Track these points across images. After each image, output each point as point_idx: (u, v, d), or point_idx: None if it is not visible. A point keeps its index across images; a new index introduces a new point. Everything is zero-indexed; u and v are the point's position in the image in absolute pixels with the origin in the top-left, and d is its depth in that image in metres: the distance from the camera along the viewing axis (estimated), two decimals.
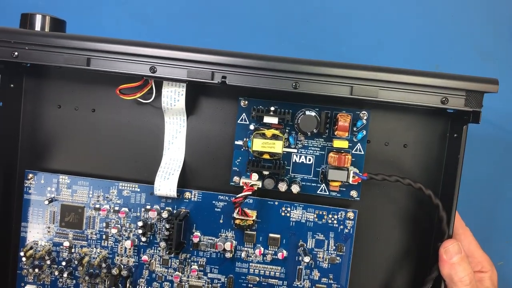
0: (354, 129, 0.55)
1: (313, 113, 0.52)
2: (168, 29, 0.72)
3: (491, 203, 0.71)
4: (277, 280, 0.58)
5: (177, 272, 0.58)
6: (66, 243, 0.58)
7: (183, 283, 0.58)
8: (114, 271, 0.57)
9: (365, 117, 0.55)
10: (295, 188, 0.54)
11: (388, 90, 0.48)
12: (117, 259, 0.58)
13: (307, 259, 0.56)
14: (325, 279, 0.57)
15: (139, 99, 0.55)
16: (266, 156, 0.54)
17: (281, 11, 0.71)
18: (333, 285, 0.57)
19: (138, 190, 0.58)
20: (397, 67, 0.48)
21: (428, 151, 0.56)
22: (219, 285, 0.58)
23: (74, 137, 0.59)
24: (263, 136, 0.53)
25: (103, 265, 0.58)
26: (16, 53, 0.50)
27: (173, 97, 0.54)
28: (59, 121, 0.59)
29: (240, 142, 0.56)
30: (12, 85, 0.56)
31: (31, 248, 0.58)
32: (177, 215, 0.55)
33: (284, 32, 0.70)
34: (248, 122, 0.56)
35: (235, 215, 0.55)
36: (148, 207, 0.57)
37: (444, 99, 0.48)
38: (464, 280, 0.50)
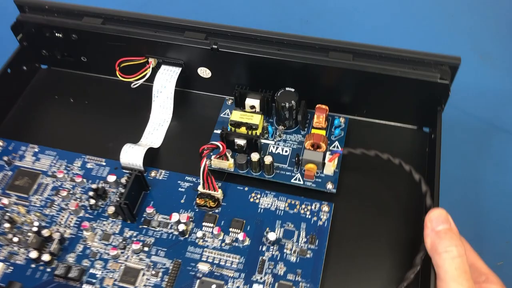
0: (332, 129, 0.56)
1: (293, 89, 0.54)
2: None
3: (491, 203, 0.65)
4: (233, 272, 0.47)
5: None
6: (5, 201, 0.51)
7: (120, 264, 0.48)
8: (45, 232, 0.48)
9: (343, 119, 0.56)
10: (268, 159, 0.51)
11: (362, 59, 0.52)
12: (53, 229, 0.50)
13: (272, 236, 0.47)
14: (292, 275, 0.46)
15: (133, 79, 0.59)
16: (243, 130, 0.53)
17: (281, 11, 0.71)
18: (301, 283, 0.46)
19: (104, 164, 0.55)
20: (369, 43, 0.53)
21: (410, 161, 0.54)
22: (161, 270, 0.47)
23: (61, 120, 0.60)
24: (243, 111, 0.54)
25: (35, 225, 0.49)
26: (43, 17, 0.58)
27: (166, 79, 0.58)
28: (51, 106, 0.61)
29: (218, 131, 0.56)
30: (24, 68, 0.62)
31: None
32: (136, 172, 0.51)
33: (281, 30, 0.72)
34: (229, 116, 0.58)
35: (199, 187, 0.50)
36: (108, 177, 0.53)
37: (413, 69, 0.51)
38: (450, 251, 0.41)
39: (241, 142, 0.53)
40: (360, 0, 0.81)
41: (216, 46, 0.55)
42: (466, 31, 0.75)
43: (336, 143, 0.55)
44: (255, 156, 0.52)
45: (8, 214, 0.51)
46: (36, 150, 0.56)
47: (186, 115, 0.60)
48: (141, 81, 0.59)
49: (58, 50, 0.62)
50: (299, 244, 0.48)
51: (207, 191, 0.50)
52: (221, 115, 0.58)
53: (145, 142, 0.57)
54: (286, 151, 0.55)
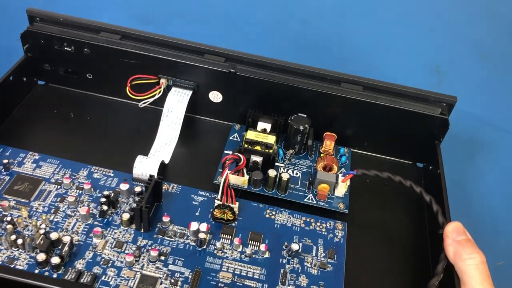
0: (338, 157, 0.58)
1: (305, 115, 0.57)
2: (168, 29, 0.71)
3: (491, 203, 0.67)
4: (255, 282, 0.45)
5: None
6: (5, 203, 0.47)
7: (135, 272, 0.44)
8: (53, 235, 0.44)
9: (346, 149, 0.59)
10: (285, 176, 0.52)
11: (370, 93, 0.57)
12: (60, 235, 0.46)
13: (295, 246, 0.47)
14: (315, 287, 0.46)
15: (143, 98, 0.59)
16: (258, 148, 0.54)
17: (281, 11, 0.72)
18: None
19: (112, 175, 0.53)
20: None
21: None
22: (180, 279, 0.44)
23: (60, 134, 0.58)
24: (257, 131, 0.56)
25: (42, 227, 0.45)
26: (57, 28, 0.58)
27: (178, 99, 0.59)
28: (52, 121, 0.59)
29: (229, 152, 0.57)
30: (24, 79, 0.60)
31: None
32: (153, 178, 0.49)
33: (284, 32, 0.71)
34: (239, 139, 0.59)
35: (218, 196, 0.50)
36: (121, 186, 0.51)
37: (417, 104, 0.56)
38: (474, 257, 0.43)
39: (257, 159, 0.54)
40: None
41: (234, 70, 0.57)
42: (466, 31, 0.77)
43: (343, 169, 0.58)
44: (272, 172, 0.52)
45: (8, 217, 0.46)
46: (37, 157, 0.53)
47: (194, 140, 0.60)
48: (150, 100, 0.59)
49: (62, 65, 0.61)
50: (319, 258, 0.48)
51: (226, 203, 0.50)
52: (230, 138, 0.59)
53: (153, 155, 0.56)
54: (296, 174, 0.56)
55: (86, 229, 0.47)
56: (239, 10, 0.82)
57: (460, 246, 0.45)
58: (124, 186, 0.50)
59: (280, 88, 0.57)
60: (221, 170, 0.55)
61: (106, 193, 0.49)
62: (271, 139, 0.55)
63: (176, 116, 0.58)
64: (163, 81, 0.59)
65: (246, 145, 0.54)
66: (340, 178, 0.54)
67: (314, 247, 0.49)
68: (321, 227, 0.51)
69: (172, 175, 0.55)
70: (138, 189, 0.50)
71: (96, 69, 0.61)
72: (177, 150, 0.57)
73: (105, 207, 0.48)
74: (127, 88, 0.58)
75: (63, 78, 0.62)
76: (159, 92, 0.59)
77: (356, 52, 0.78)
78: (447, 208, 0.50)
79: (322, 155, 0.57)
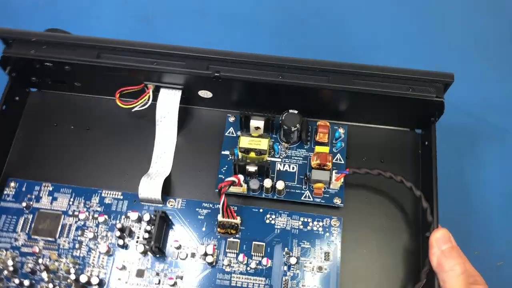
0: (333, 141, 0.59)
1: (296, 111, 0.57)
2: (168, 29, 0.72)
3: (491, 203, 0.69)
4: None
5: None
6: (36, 249, 0.54)
7: None
8: (82, 278, 0.52)
9: (342, 130, 0.60)
10: (280, 185, 0.55)
11: (361, 80, 0.55)
12: (88, 271, 0.53)
13: (293, 260, 0.53)
14: None
15: (134, 105, 0.59)
16: (252, 155, 0.56)
17: (281, 11, 0.72)
18: None
19: (121, 197, 0.57)
20: (368, 64, 0.55)
21: (405, 166, 0.59)
22: None
23: (65, 152, 0.60)
24: (250, 135, 0.57)
25: (72, 272, 0.53)
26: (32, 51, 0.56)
27: (168, 103, 0.59)
28: (53, 136, 0.61)
29: (226, 152, 0.59)
30: (17, 98, 0.61)
31: None
32: (159, 213, 0.54)
33: (284, 32, 0.72)
34: (235, 135, 0.60)
35: (219, 217, 0.54)
36: (130, 214, 0.56)
37: (410, 88, 0.54)
38: (455, 269, 0.48)
39: (252, 168, 0.56)
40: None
41: (218, 74, 0.55)
42: (466, 30, 0.75)
43: (338, 155, 0.59)
44: (268, 183, 0.55)
45: (41, 261, 0.54)
46: (50, 189, 0.57)
47: (191, 133, 0.61)
48: (141, 108, 0.59)
49: (49, 77, 0.60)
50: (316, 260, 0.54)
51: (227, 220, 0.54)
52: (226, 134, 0.60)
53: (156, 169, 0.58)
54: (293, 168, 0.58)
55: (109, 261, 0.54)
56: (239, 10, 0.78)
57: (443, 257, 0.49)
58: (133, 215, 0.55)
59: (267, 86, 0.55)
60: (221, 176, 0.58)
61: (119, 226, 0.54)
62: (264, 143, 0.56)
63: (170, 120, 0.59)
64: (150, 86, 0.59)
65: (240, 156, 0.56)
66: (334, 176, 0.56)
67: (312, 249, 0.55)
68: (318, 226, 0.56)
69: (175, 185, 0.58)
70: (147, 217, 0.55)
71: (83, 79, 0.60)
72: (176, 149, 0.60)
73: (121, 241, 0.54)
74: (117, 100, 0.58)
75: (53, 85, 0.62)
76: (149, 97, 0.59)
77: (356, 52, 0.75)
78: (436, 206, 0.53)
79: (315, 148, 0.58)
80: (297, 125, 0.56)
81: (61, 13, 0.70)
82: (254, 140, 0.56)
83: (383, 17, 0.78)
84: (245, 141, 0.56)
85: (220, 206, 0.53)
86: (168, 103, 0.59)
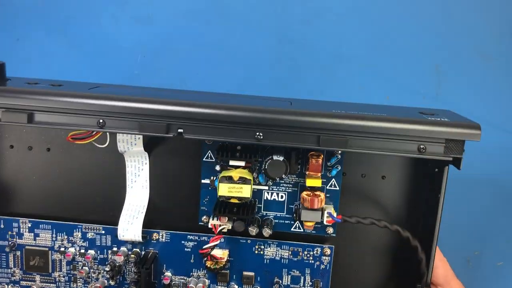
0: (328, 163, 0.51)
1: (281, 158, 0.48)
2: (168, 29, 0.68)
3: (491, 202, 0.69)
4: None
5: None
6: (34, 287, 0.56)
7: None
8: None
9: (339, 152, 0.51)
10: (266, 232, 0.51)
11: (358, 139, 0.44)
12: None
13: None
14: None
15: (94, 143, 0.51)
16: (234, 200, 0.50)
17: (281, 11, 0.68)
18: None
19: (103, 232, 0.55)
20: (368, 114, 0.43)
21: (407, 184, 0.52)
22: None
23: (30, 178, 0.55)
24: (230, 179, 0.49)
25: None
26: None
27: (130, 141, 0.50)
28: (13, 162, 0.55)
29: (207, 181, 0.53)
30: None
31: None
32: (144, 262, 0.53)
33: (284, 32, 0.67)
34: (213, 160, 0.52)
35: (205, 262, 0.53)
36: (115, 249, 0.55)
37: (421, 147, 0.43)
38: None
39: (235, 216, 0.51)
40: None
41: (181, 134, 0.44)
42: (466, 30, 0.69)
43: (333, 181, 0.52)
44: (252, 231, 0.51)
45: None
46: (29, 225, 0.55)
47: (165, 161, 0.54)
48: (102, 146, 0.50)
49: None
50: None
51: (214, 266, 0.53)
52: (204, 159, 0.52)
53: (131, 204, 0.53)
54: (281, 197, 0.53)
55: None
56: (241, 10, 0.70)
57: None
58: (119, 258, 0.54)
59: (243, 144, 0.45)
60: (203, 208, 0.53)
61: (107, 268, 0.54)
62: (246, 191, 0.49)
63: (136, 155, 0.51)
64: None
65: (221, 199, 0.50)
66: (326, 216, 0.50)
67: (302, 278, 0.54)
68: (308, 255, 0.54)
69: (155, 217, 0.54)
70: (132, 259, 0.53)
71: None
72: (153, 182, 0.54)
73: (113, 282, 0.54)
74: (71, 141, 0.49)
75: None
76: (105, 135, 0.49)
77: (355, 52, 0.68)
78: (433, 257, 0.49)
79: (307, 184, 0.50)
80: (283, 175, 0.48)
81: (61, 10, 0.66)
82: (234, 188, 0.49)
83: (383, 17, 0.69)
84: (224, 189, 0.49)
85: (206, 265, 0.52)
86: (129, 141, 0.50)
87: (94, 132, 0.49)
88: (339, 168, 0.51)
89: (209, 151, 0.52)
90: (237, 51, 0.68)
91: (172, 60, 0.68)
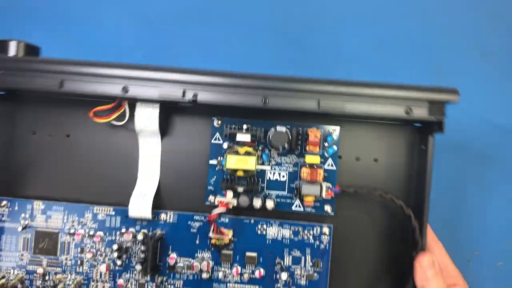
0: (325, 144, 0.57)
1: (284, 129, 0.53)
2: (168, 29, 0.70)
3: (490, 203, 0.69)
4: None
5: None
6: (40, 270, 0.57)
7: None
8: None
9: (335, 133, 0.56)
10: (269, 204, 0.55)
11: (353, 103, 0.49)
12: (93, 285, 0.57)
13: (284, 276, 0.56)
14: None
15: (113, 122, 0.56)
16: (240, 173, 0.54)
17: (281, 12, 0.70)
18: None
19: (113, 213, 0.58)
20: (362, 81, 0.50)
21: (398, 165, 0.57)
22: None
23: (48, 163, 0.59)
24: (237, 153, 0.54)
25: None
26: None
27: (147, 119, 0.55)
28: (33, 147, 0.59)
29: (214, 162, 0.57)
30: None
31: (3, 277, 0.57)
32: (153, 236, 0.55)
33: (284, 32, 0.69)
34: (221, 141, 0.57)
35: (210, 234, 0.55)
36: (124, 230, 0.57)
37: (408, 109, 0.49)
38: None
39: (241, 188, 0.54)
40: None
41: (195, 99, 0.50)
42: (466, 30, 0.71)
43: (330, 160, 0.56)
44: (257, 202, 0.54)
45: (47, 283, 0.57)
46: (42, 207, 0.58)
47: (176, 143, 0.58)
48: (120, 123, 0.55)
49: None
50: (306, 268, 0.57)
51: (219, 241, 0.55)
52: (212, 141, 0.57)
53: (143, 183, 0.57)
54: (283, 176, 0.57)
55: (111, 276, 0.57)
56: (241, 10, 0.72)
57: (426, 282, 0.51)
58: (127, 237, 0.56)
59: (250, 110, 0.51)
60: (210, 188, 0.57)
61: (115, 247, 0.56)
62: (251, 162, 0.54)
63: (151, 132, 0.56)
64: (124, 102, 0.54)
65: (229, 172, 0.54)
66: (325, 189, 0.54)
67: (302, 258, 0.57)
68: (308, 235, 0.57)
69: (164, 198, 0.58)
70: (140, 237, 0.56)
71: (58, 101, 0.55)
72: (164, 161, 0.58)
73: (119, 261, 0.56)
74: (92, 118, 0.54)
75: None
76: (124, 111, 0.55)
77: (355, 52, 0.70)
78: (425, 226, 0.52)
79: (306, 161, 0.55)
80: (286, 144, 0.53)
81: (61, 10, 0.68)
82: (241, 160, 0.54)
83: (383, 17, 0.72)
84: (231, 161, 0.54)
85: (211, 229, 0.54)
86: (146, 117, 0.55)
87: (116, 109, 0.54)
88: (336, 149, 0.56)
89: (217, 132, 0.57)
90: (237, 52, 0.69)
91: (172, 60, 0.69)
